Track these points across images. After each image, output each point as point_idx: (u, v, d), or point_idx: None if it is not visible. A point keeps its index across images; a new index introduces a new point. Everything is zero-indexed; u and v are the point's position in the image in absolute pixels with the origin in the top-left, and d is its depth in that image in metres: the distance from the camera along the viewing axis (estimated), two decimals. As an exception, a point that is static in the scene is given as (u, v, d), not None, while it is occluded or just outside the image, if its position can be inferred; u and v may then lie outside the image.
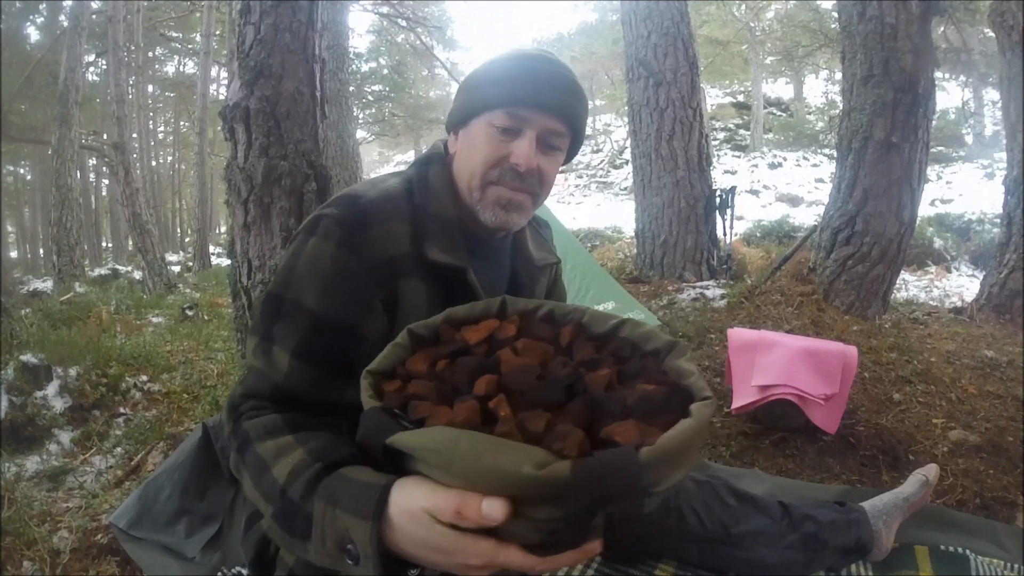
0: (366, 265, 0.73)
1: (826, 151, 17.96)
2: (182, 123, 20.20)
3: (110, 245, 19.30)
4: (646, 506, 0.46)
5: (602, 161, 20.54)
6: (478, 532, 0.47)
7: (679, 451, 0.44)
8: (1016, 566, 1.23)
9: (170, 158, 22.06)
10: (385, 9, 10.54)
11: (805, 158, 18.51)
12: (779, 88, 24.83)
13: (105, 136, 8.47)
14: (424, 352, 0.58)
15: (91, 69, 12.35)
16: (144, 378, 2.66)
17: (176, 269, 10.41)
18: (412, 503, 0.49)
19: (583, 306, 0.66)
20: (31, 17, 11.03)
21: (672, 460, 0.44)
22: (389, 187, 0.80)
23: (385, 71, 16.45)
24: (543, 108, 0.78)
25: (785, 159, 18.53)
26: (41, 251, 19.02)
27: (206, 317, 4.37)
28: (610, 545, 0.48)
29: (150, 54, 15.51)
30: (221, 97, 11.83)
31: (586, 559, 0.44)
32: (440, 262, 0.77)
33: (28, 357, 2.35)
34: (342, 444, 0.64)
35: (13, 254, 21.31)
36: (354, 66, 13.19)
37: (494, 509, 0.44)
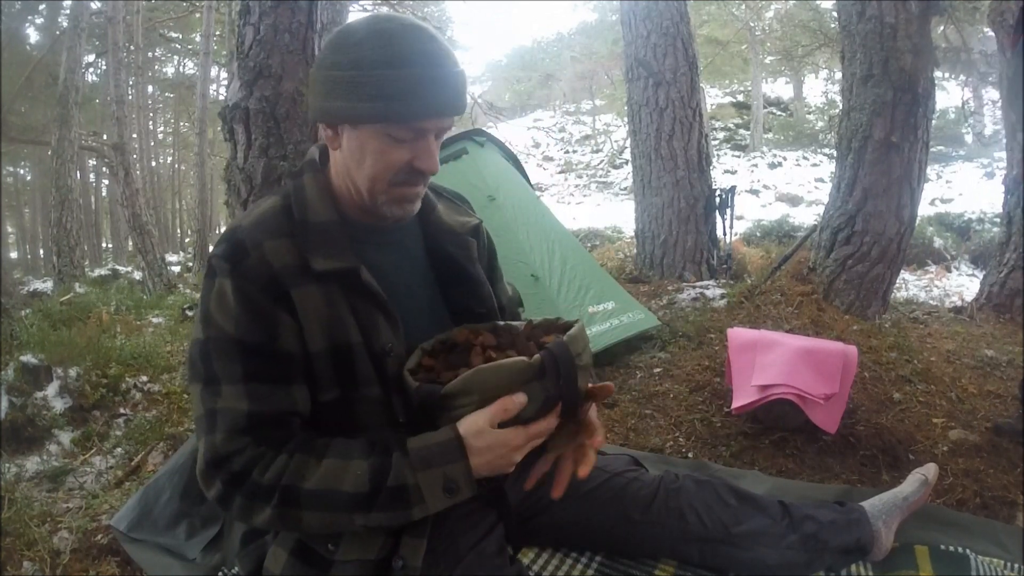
0: (258, 286, 0.77)
1: (826, 151, 17.96)
2: (182, 124, 20.20)
3: (110, 246, 19.31)
4: (580, 376, 0.78)
5: (602, 161, 20.52)
6: (511, 427, 0.74)
7: (577, 337, 0.79)
8: (1016, 566, 1.22)
9: (170, 159, 22.06)
10: (385, 9, 10.55)
11: (805, 158, 18.50)
12: (779, 88, 24.82)
13: (105, 137, 8.48)
14: (430, 356, 0.86)
15: (91, 70, 12.36)
16: (144, 379, 2.66)
17: (176, 270, 10.42)
18: (475, 424, 0.74)
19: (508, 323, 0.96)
20: (31, 18, 11.03)
21: (575, 342, 0.78)
22: (265, 209, 0.83)
23: (385, 71, 16.42)
24: (444, 115, 0.79)
25: (785, 159, 18.52)
26: (41, 252, 19.03)
27: (206, 317, 4.37)
28: (566, 410, 0.78)
29: (150, 55, 15.52)
30: (221, 98, 11.82)
31: (555, 423, 0.78)
32: (327, 271, 0.79)
33: (28, 358, 2.36)
34: (360, 441, 0.79)
35: (13, 255, 21.31)
36: (354, 66, 13.16)
37: (520, 396, 0.73)
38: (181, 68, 18.07)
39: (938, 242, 6.21)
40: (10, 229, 22.29)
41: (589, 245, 7.77)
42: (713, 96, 23.36)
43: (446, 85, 0.76)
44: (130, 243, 11.86)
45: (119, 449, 2.14)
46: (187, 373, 0.79)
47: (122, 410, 2.43)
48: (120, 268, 10.23)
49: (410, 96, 0.74)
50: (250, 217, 0.82)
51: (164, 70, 18.18)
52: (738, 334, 2.02)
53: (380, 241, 0.89)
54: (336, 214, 0.84)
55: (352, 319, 0.81)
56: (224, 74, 12.84)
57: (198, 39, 11.57)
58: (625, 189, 16.47)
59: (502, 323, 0.92)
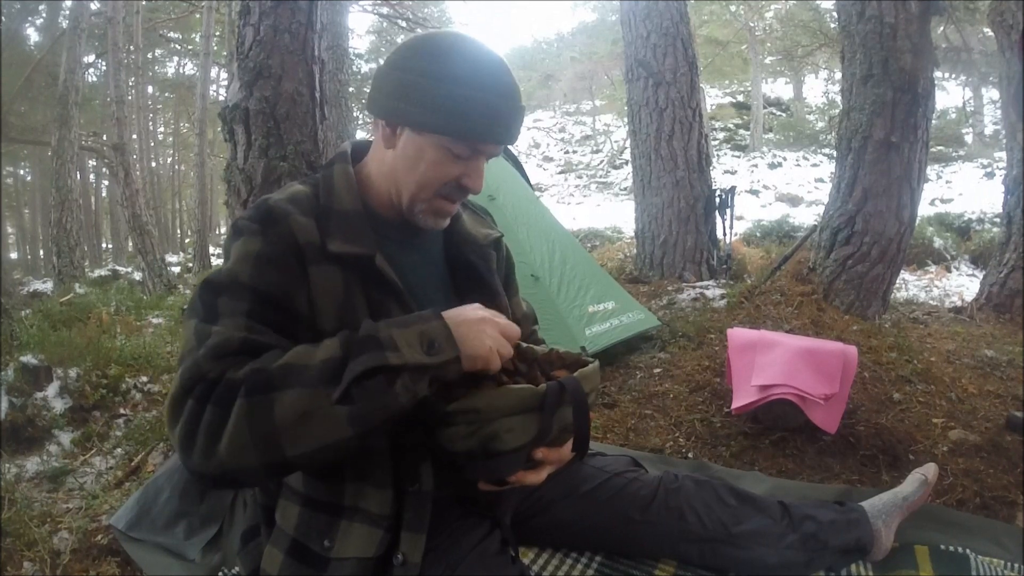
0: (283, 248, 0.78)
1: (826, 151, 17.96)
2: (182, 124, 20.22)
3: (110, 246, 19.31)
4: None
5: (602, 161, 20.52)
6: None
7: (589, 375, 0.83)
8: (1016, 566, 1.22)
9: (170, 159, 22.08)
10: (385, 10, 10.55)
11: (805, 158, 18.51)
12: (779, 88, 24.83)
13: (105, 137, 8.48)
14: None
15: (91, 70, 12.38)
16: (144, 379, 2.66)
17: (176, 270, 10.42)
18: (461, 309, 0.77)
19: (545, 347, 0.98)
20: (31, 18, 11.04)
21: (586, 381, 0.81)
22: (296, 190, 0.85)
23: (385, 72, 16.42)
24: (502, 143, 0.85)
25: (785, 159, 18.53)
26: (41, 252, 19.04)
27: (206, 318, 4.36)
28: (578, 443, 0.82)
29: (150, 55, 15.54)
30: (221, 98, 11.83)
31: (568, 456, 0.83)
32: (343, 252, 0.80)
33: (28, 358, 2.35)
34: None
35: (13, 255, 21.31)
36: (354, 67, 13.18)
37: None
38: (181, 68, 18.10)
39: (938, 242, 6.20)
40: (10, 229, 22.29)
41: (589, 245, 7.78)
42: (713, 96, 23.37)
43: (512, 117, 0.82)
44: (130, 243, 11.86)
45: (119, 449, 2.14)
46: (185, 313, 0.76)
47: (122, 410, 2.43)
48: (120, 268, 10.23)
49: (481, 118, 0.79)
50: (283, 193, 0.84)
51: (164, 70, 18.21)
52: (738, 334, 2.02)
53: (402, 240, 0.90)
54: (361, 206, 0.85)
55: (365, 307, 0.81)
56: (224, 74, 12.85)
57: (198, 39, 11.59)
58: (625, 189, 16.48)
59: (524, 344, 0.90)
